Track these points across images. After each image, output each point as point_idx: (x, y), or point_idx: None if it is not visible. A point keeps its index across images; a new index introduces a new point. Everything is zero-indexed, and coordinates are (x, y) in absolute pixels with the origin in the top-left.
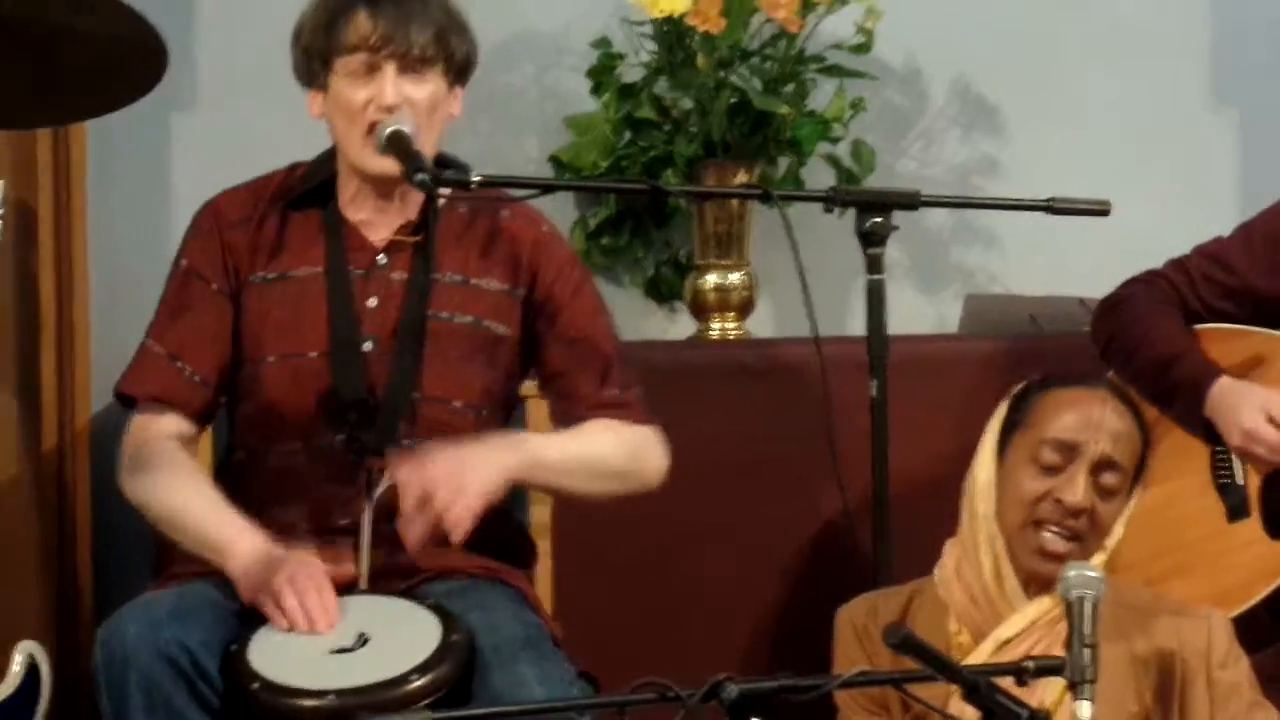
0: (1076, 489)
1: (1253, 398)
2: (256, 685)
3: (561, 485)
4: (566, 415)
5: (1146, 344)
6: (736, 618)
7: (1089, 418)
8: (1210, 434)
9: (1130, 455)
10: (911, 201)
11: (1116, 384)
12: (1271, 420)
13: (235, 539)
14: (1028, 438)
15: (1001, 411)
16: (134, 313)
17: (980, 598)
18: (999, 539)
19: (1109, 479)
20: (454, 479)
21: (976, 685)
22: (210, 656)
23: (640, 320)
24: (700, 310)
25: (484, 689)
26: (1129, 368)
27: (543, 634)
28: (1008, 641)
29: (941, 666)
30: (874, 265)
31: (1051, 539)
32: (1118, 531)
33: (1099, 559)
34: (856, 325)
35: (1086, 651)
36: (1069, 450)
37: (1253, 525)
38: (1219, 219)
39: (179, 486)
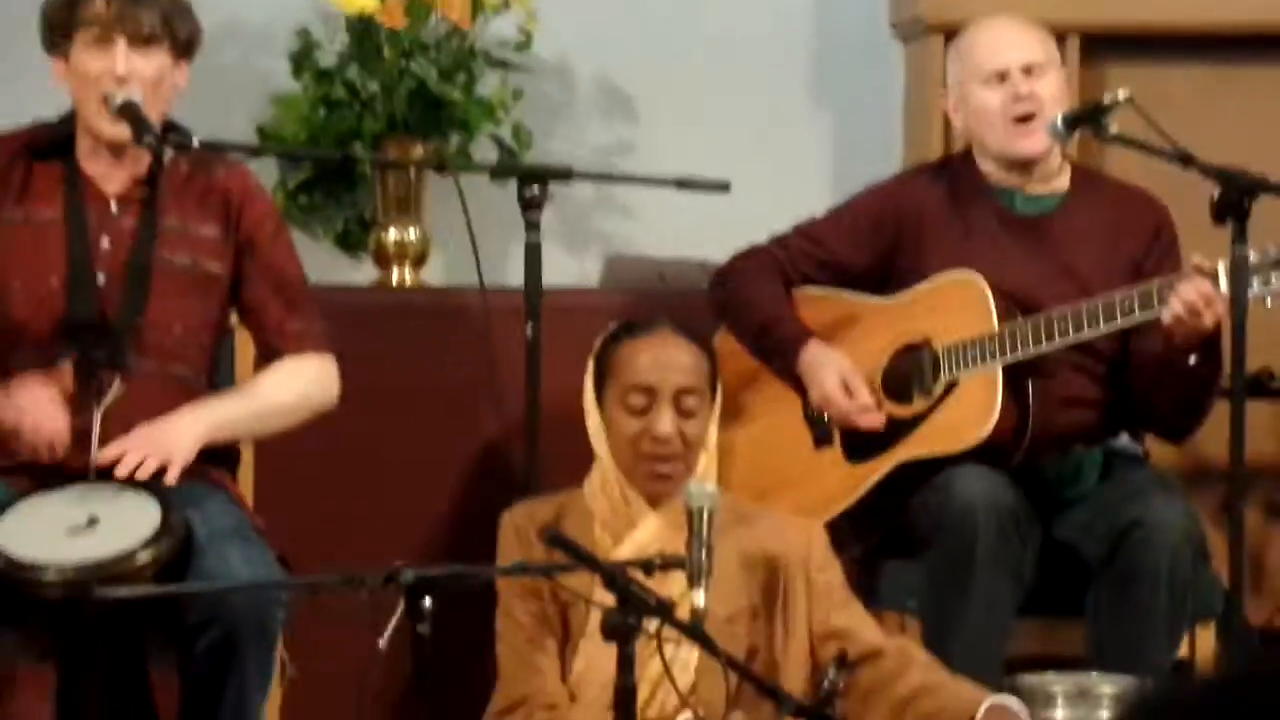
0: (664, 423)
1: (833, 366)
2: (1, 563)
3: (246, 435)
4: (262, 345)
5: (751, 308)
6: (413, 521)
7: (658, 359)
8: (801, 381)
9: (701, 377)
10: (565, 174)
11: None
12: (845, 388)
13: None
14: (615, 388)
15: (590, 364)
16: None
17: (616, 509)
18: (617, 471)
19: (688, 402)
20: (160, 449)
21: (614, 576)
22: None
23: (331, 268)
24: (382, 261)
25: (197, 569)
26: (736, 328)
27: (247, 524)
28: (642, 545)
29: (586, 560)
30: (532, 228)
31: (657, 466)
32: (711, 434)
33: (703, 459)
34: (514, 278)
35: (704, 551)
36: (649, 391)
37: (835, 451)
38: (817, 204)
39: None
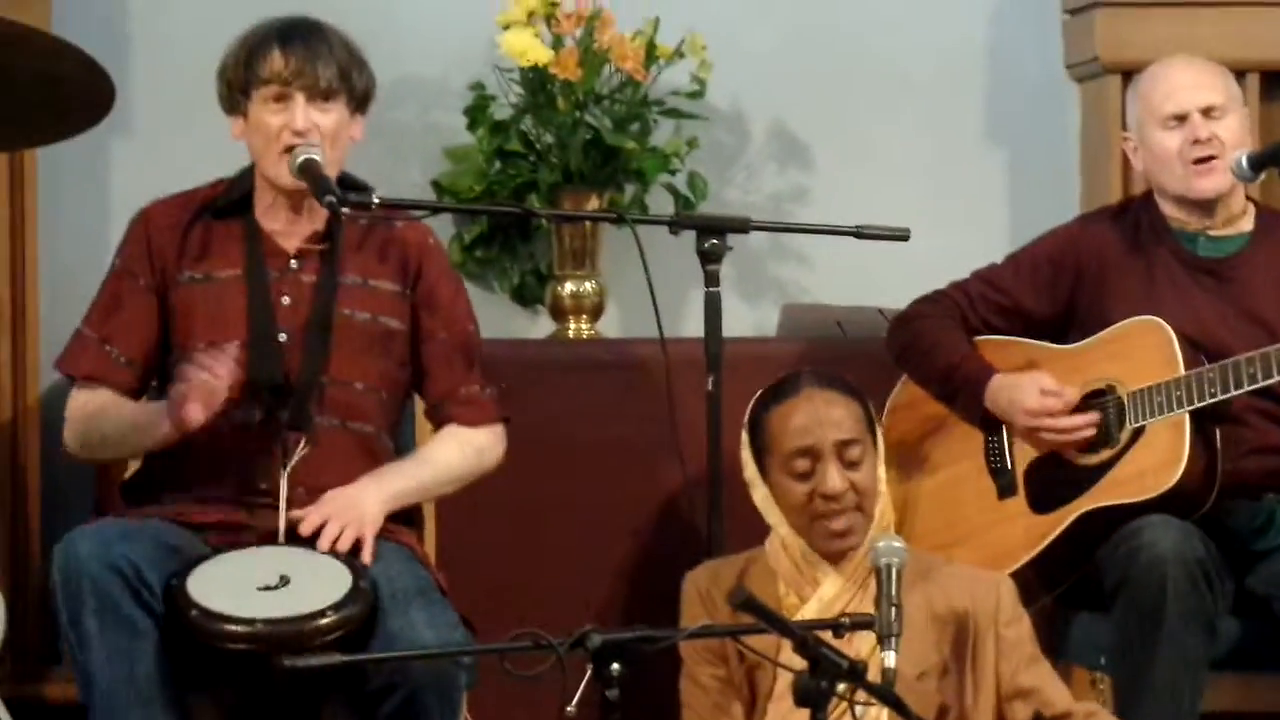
0: (832, 480)
1: (1026, 382)
2: (195, 612)
3: (419, 501)
4: (433, 406)
5: (934, 352)
6: (592, 580)
7: (812, 418)
8: (986, 424)
9: (858, 424)
10: (743, 226)
11: (815, 371)
12: (1045, 392)
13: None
14: (776, 457)
15: (745, 440)
16: (77, 304)
17: (800, 568)
18: (794, 534)
19: (851, 453)
20: (354, 519)
21: (805, 639)
22: (153, 571)
23: (507, 322)
24: (558, 313)
25: (382, 630)
26: (919, 372)
27: (431, 584)
28: (828, 601)
29: (775, 622)
30: (711, 279)
31: (834, 523)
32: (881, 478)
33: (880, 504)
34: (690, 328)
35: (892, 610)
36: (810, 453)
37: (1019, 502)
38: (993, 247)
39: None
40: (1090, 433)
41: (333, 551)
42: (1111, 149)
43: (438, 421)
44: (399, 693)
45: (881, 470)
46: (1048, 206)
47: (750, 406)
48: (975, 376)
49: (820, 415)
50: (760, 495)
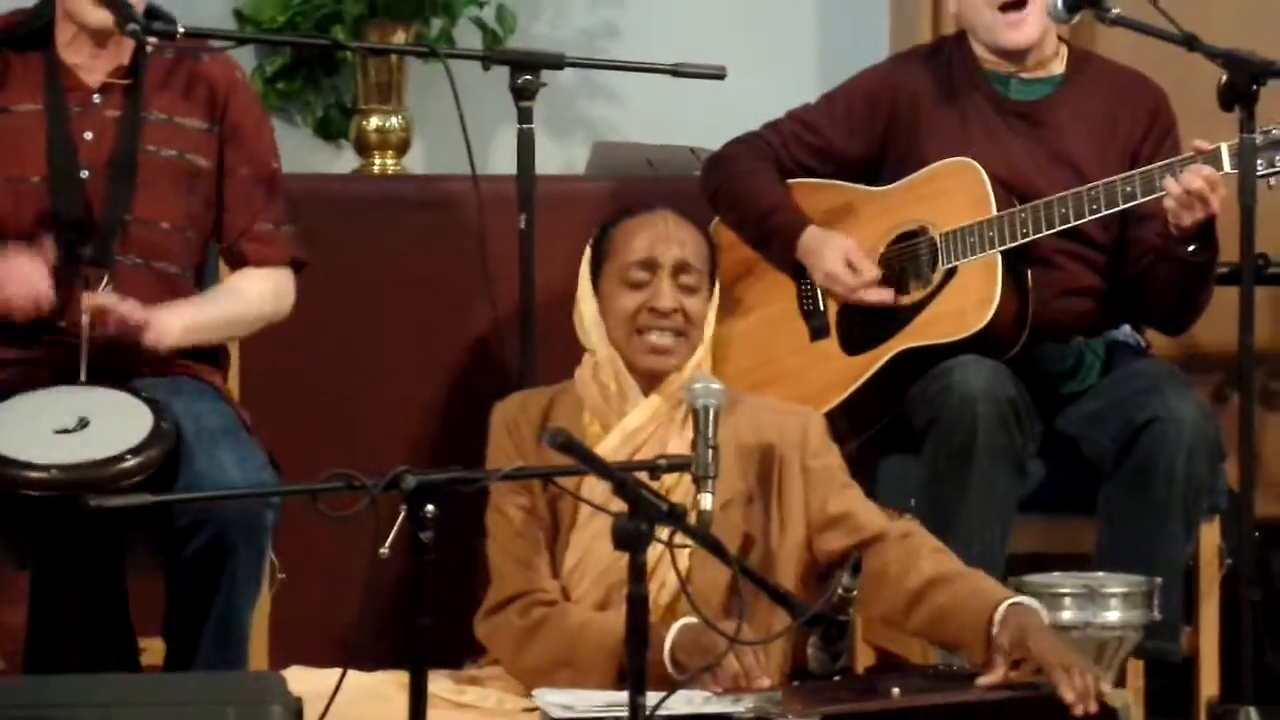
0: (664, 294)
1: (836, 244)
2: None
3: (215, 340)
4: (229, 241)
5: (747, 196)
6: (403, 416)
7: (659, 234)
8: (798, 271)
9: (700, 257)
10: (558, 62)
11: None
12: (849, 264)
13: None
14: (614, 266)
15: (587, 253)
16: None
17: (609, 397)
18: (615, 355)
19: (687, 279)
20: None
21: (624, 481)
22: None
23: (309, 156)
24: (363, 149)
25: (187, 470)
26: (731, 215)
27: (237, 424)
28: (632, 432)
29: (594, 464)
30: (524, 116)
31: (656, 337)
32: (709, 323)
33: (701, 352)
34: (498, 165)
35: (710, 452)
36: (649, 265)
37: (831, 343)
38: (804, 87)
39: None
40: (886, 301)
41: (132, 390)
42: None
43: (233, 259)
44: (204, 532)
45: (711, 316)
46: (858, 49)
47: (602, 221)
48: (788, 225)
49: (668, 233)
50: (589, 310)
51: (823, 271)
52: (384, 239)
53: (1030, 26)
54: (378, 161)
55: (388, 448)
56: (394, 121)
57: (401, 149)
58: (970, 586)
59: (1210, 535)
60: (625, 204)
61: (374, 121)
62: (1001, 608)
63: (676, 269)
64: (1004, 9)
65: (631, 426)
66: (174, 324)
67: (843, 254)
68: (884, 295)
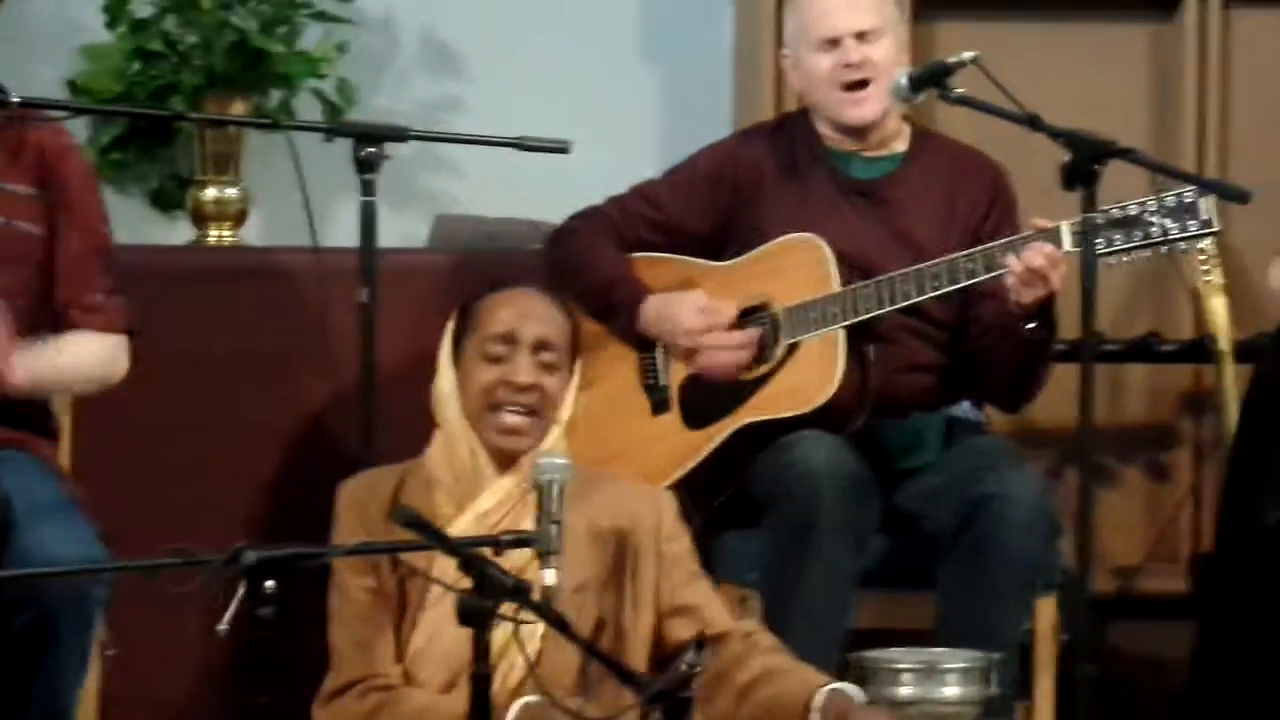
0: (522, 369)
1: (683, 302)
2: None
3: (49, 393)
4: (56, 316)
5: (588, 269)
6: (240, 492)
7: (520, 309)
8: (641, 343)
9: (562, 335)
10: (401, 135)
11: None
12: (702, 310)
13: None
14: (475, 339)
15: (450, 325)
16: None
17: (461, 477)
18: (470, 432)
19: (548, 356)
20: None
21: (469, 557)
22: None
23: (144, 227)
24: (200, 220)
25: (14, 545)
26: (573, 288)
27: (67, 499)
28: (485, 513)
29: (439, 540)
30: (367, 188)
31: (510, 417)
32: (567, 404)
33: (556, 432)
34: (337, 238)
35: (554, 527)
36: (509, 339)
37: (673, 418)
38: (647, 162)
39: None
40: (751, 351)
41: None
42: (763, 65)
43: (61, 329)
44: (30, 609)
45: (569, 397)
46: (702, 123)
47: (467, 295)
48: (630, 296)
49: (531, 309)
50: (446, 382)
51: (682, 330)
52: (221, 311)
53: (872, 104)
54: (214, 233)
55: (225, 524)
56: (231, 193)
57: (239, 220)
58: (794, 678)
59: (1046, 611)
60: (492, 278)
61: (211, 192)
62: (820, 694)
63: (537, 346)
64: (847, 88)
65: (484, 507)
66: (18, 366)
67: (694, 307)
68: (749, 335)
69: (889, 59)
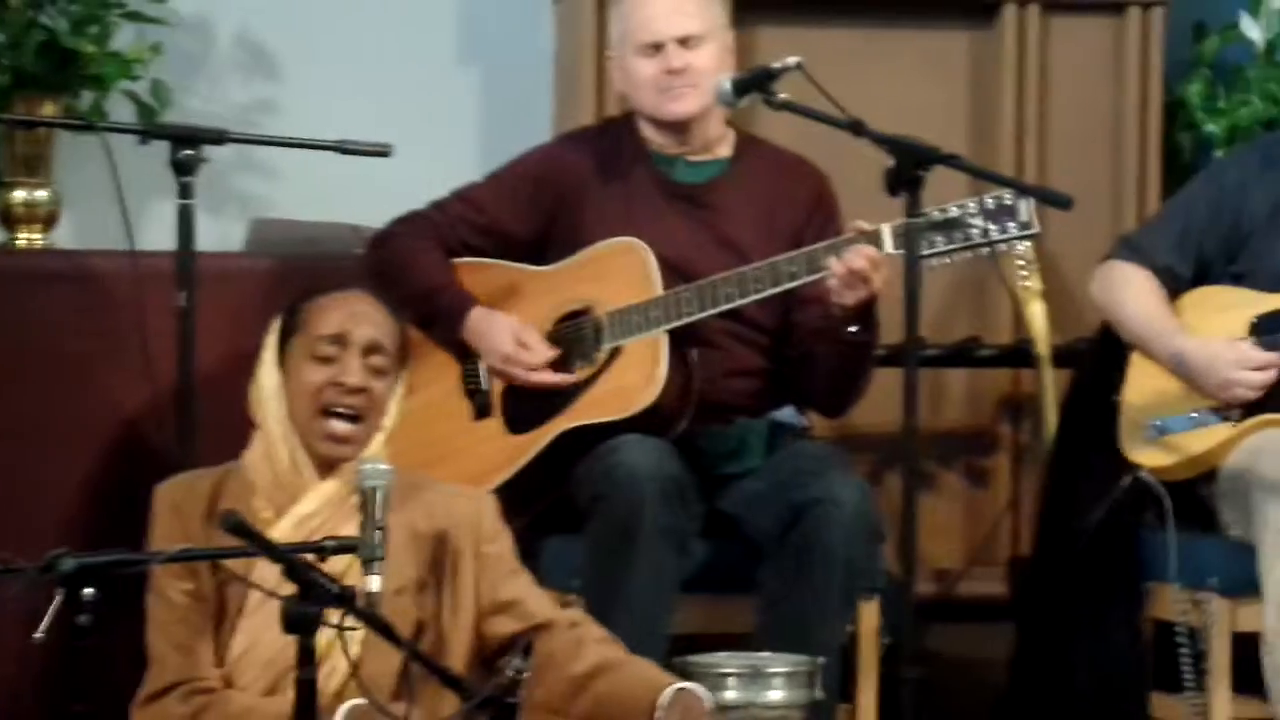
0: (352, 370)
1: (504, 326)
2: None
3: None
4: None
5: (411, 275)
6: (56, 498)
7: (352, 312)
8: (462, 351)
9: (391, 340)
10: (219, 138)
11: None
12: (521, 344)
13: None
14: (303, 339)
15: (276, 325)
16: None
17: (282, 480)
18: (293, 434)
19: (377, 360)
20: None
21: (294, 564)
22: None
23: None
24: (9, 222)
25: None
26: (394, 294)
27: None
28: (305, 517)
29: (263, 546)
30: (185, 191)
31: (338, 425)
32: (392, 411)
33: (380, 439)
34: (150, 240)
35: (377, 534)
36: (340, 340)
37: (495, 423)
38: (467, 166)
39: None
40: (559, 384)
41: None
42: (584, 69)
43: None
44: None
45: (395, 406)
46: (522, 126)
47: (295, 296)
48: (453, 306)
49: (362, 312)
50: (270, 384)
51: (498, 355)
52: (33, 315)
53: (690, 100)
54: (24, 236)
55: (40, 531)
56: (41, 195)
57: (49, 223)
58: (635, 674)
59: (869, 615)
60: (311, 282)
61: (20, 195)
62: (667, 693)
63: (368, 349)
64: (667, 73)
65: (304, 511)
66: None
67: (512, 335)
68: (558, 379)
69: (712, 65)
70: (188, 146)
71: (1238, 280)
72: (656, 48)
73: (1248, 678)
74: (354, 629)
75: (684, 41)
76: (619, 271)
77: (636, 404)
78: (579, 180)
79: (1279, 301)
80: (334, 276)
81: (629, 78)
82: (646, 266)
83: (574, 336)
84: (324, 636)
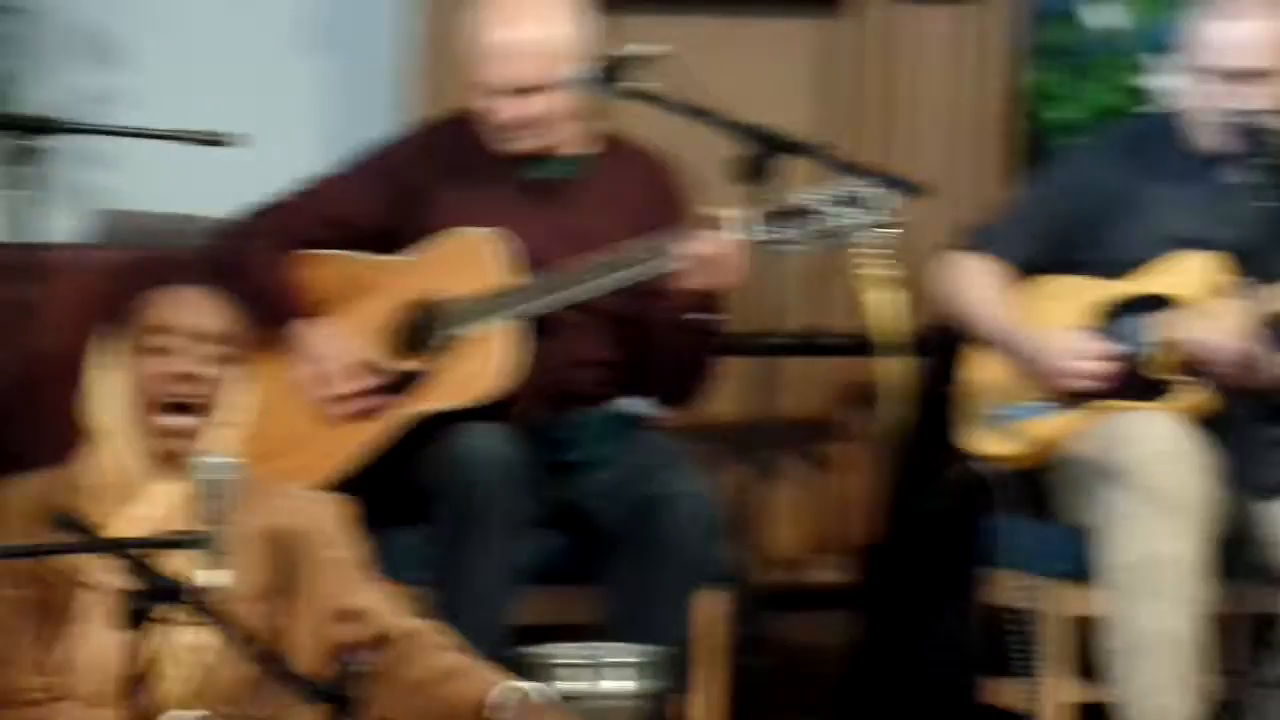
0: (183, 362)
1: (340, 347)
2: None
3: None
4: None
5: (251, 270)
6: None
7: (181, 302)
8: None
9: (223, 330)
10: (58, 127)
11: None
12: (349, 368)
13: None
14: (135, 333)
15: (109, 322)
16: None
17: (119, 478)
18: (129, 431)
19: (207, 349)
20: None
21: (133, 562)
22: None
23: None
24: None
25: None
26: (235, 290)
27: None
28: (143, 516)
29: (102, 542)
30: (23, 182)
31: (172, 418)
32: (232, 406)
33: (226, 435)
34: None
35: (219, 530)
36: (167, 330)
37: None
38: (313, 156)
39: None
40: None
41: None
42: (431, 60)
43: None
44: None
45: (235, 401)
46: (371, 117)
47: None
48: (289, 309)
49: (191, 302)
50: (104, 380)
51: (315, 373)
52: None
53: (528, 142)
54: None
55: None
56: None
57: None
58: (471, 676)
59: (713, 604)
60: (154, 274)
61: None
62: (497, 692)
63: (197, 336)
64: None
65: (143, 510)
66: None
67: (345, 357)
68: (376, 404)
69: (551, 108)
70: (26, 136)
71: (1078, 269)
72: (496, 91)
73: (1079, 662)
74: (195, 625)
75: (523, 91)
76: (468, 262)
77: (480, 391)
78: (428, 173)
79: (1117, 290)
80: (172, 269)
81: (471, 89)
82: (496, 258)
83: (418, 325)
84: (162, 639)
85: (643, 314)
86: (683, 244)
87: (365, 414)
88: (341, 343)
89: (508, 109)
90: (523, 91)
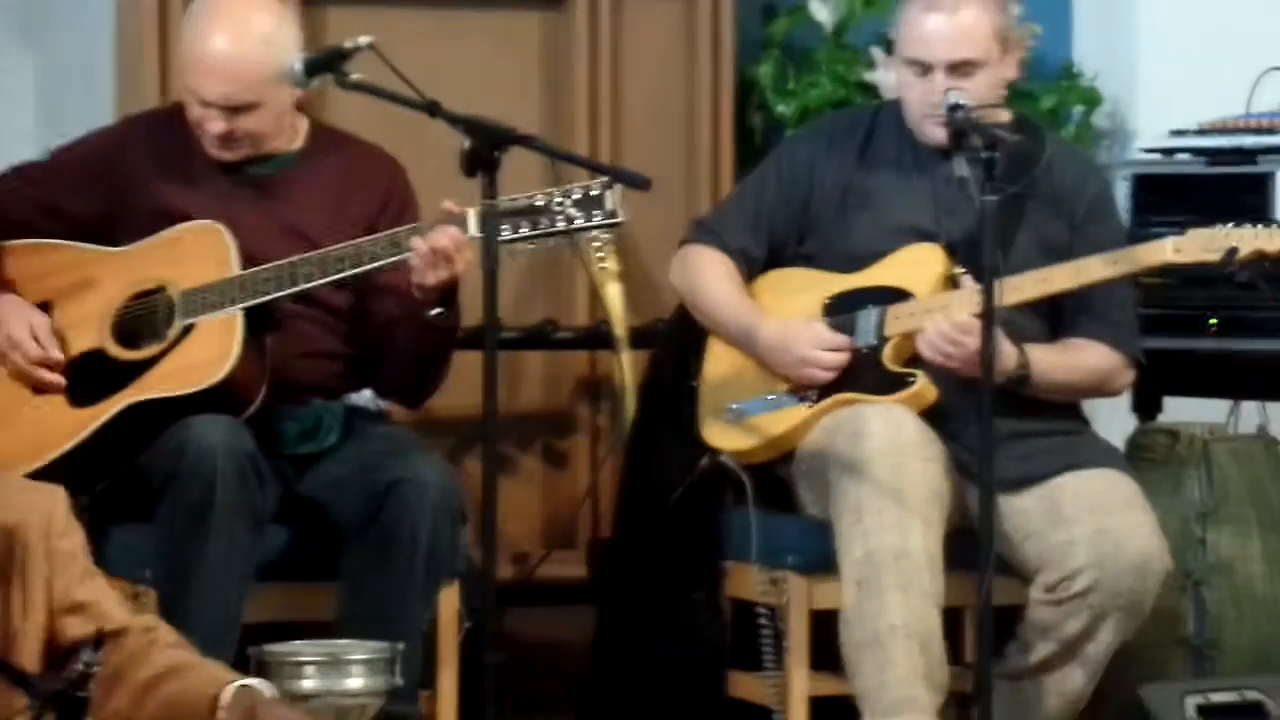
0: None
1: (25, 316)
2: None
3: None
4: None
5: None
6: None
7: None
8: None
9: None
10: None
11: None
12: (34, 336)
13: None
14: None
15: None
16: None
17: None
18: None
19: None
20: None
21: None
22: None
23: None
24: None
25: None
26: None
27: None
28: None
29: None
30: None
31: None
32: None
33: None
34: None
35: None
36: None
37: (56, 396)
38: (26, 143)
39: None
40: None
41: None
42: (146, 51)
43: None
44: None
45: None
46: (81, 106)
47: None
48: None
49: None
50: None
51: (4, 335)
52: None
53: (242, 152)
54: None
55: None
56: None
57: None
58: (200, 675)
59: (450, 599)
60: None
61: None
62: (228, 691)
63: None
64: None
65: None
66: None
67: (28, 324)
68: (55, 379)
69: (262, 125)
70: None
71: (810, 261)
72: (209, 104)
73: (825, 655)
74: None
75: (233, 110)
76: (197, 253)
77: (206, 379)
78: (142, 163)
79: (850, 282)
80: None
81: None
82: (226, 248)
83: (145, 314)
84: None
85: (374, 312)
86: (419, 236)
87: (49, 380)
88: (28, 312)
89: (218, 124)
90: (234, 109)
